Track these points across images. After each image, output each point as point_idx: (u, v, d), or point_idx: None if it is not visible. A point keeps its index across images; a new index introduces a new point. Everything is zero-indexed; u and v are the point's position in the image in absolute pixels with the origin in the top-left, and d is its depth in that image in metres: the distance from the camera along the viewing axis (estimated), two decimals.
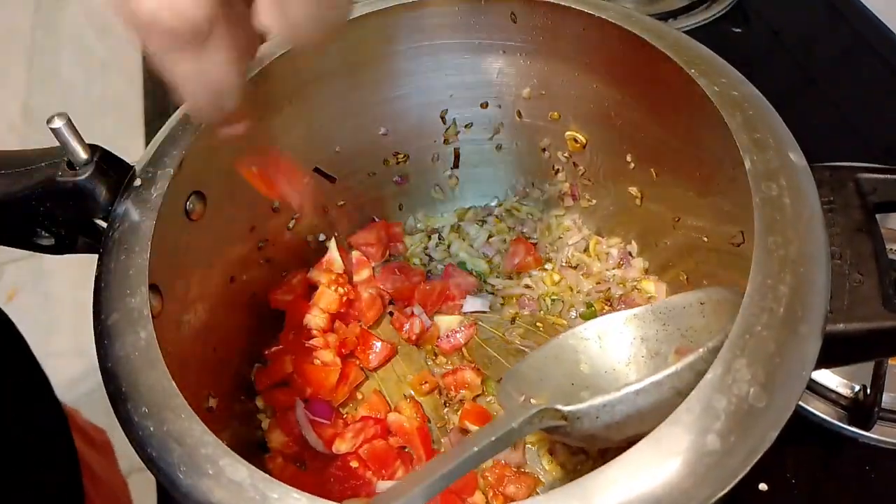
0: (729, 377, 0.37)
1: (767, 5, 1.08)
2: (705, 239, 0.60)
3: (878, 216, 0.48)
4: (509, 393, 0.53)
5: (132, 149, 0.61)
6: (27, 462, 0.58)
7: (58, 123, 0.47)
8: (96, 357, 0.44)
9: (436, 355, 0.70)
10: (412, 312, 0.71)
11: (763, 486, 0.60)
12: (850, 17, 1.04)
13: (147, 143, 0.55)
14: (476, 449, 0.42)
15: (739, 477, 0.35)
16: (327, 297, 0.69)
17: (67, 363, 0.66)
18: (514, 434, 0.45)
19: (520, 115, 0.72)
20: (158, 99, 0.96)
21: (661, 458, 0.35)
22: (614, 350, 0.56)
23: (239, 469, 0.37)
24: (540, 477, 0.61)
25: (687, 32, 0.56)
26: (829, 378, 0.65)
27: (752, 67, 0.54)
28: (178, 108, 0.55)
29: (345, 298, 0.70)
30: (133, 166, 0.53)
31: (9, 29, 1.72)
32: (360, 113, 0.69)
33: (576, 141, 0.70)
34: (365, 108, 0.69)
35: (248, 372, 0.67)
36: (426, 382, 0.67)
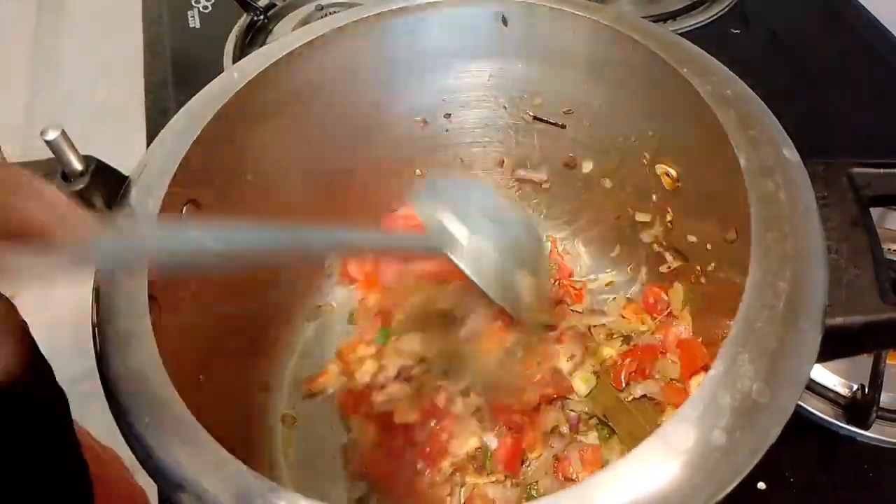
0: (732, 373, 0.38)
1: (766, 7, 1.08)
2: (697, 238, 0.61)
3: (877, 217, 0.48)
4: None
5: (133, 150, 0.61)
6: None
7: (52, 135, 0.46)
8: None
9: None
10: None
11: (761, 485, 0.59)
12: (848, 18, 1.04)
13: (148, 144, 0.54)
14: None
15: (745, 473, 0.35)
16: None
17: (67, 363, 0.65)
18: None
19: (511, 116, 0.72)
20: (159, 101, 0.95)
21: (667, 455, 0.35)
22: None
23: (249, 479, 0.37)
24: None
25: (686, 34, 0.57)
26: (827, 377, 0.65)
27: (751, 68, 0.55)
28: (177, 111, 0.55)
29: None
30: (128, 177, 0.52)
31: (10, 31, 1.71)
32: (351, 120, 0.69)
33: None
34: (357, 113, 0.69)
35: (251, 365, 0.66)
36: None
